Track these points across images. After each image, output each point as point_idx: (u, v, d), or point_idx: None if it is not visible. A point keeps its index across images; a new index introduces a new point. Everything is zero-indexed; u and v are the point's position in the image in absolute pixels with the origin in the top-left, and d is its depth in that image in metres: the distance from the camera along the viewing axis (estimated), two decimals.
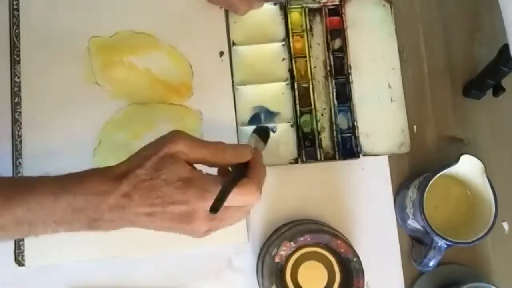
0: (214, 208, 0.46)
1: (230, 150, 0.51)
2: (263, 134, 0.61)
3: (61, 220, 0.49)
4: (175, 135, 0.50)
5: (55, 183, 0.50)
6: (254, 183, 0.50)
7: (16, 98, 0.68)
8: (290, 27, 0.70)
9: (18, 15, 0.69)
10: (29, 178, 0.52)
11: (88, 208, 0.49)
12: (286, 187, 0.68)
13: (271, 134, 0.69)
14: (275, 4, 0.71)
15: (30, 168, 0.66)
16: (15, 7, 0.70)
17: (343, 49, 0.71)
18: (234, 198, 0.48)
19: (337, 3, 0.71)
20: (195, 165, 0.51)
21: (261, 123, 0.69)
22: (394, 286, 0.67)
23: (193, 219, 0.49)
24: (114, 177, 0.49)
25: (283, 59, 0.71)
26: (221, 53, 0.70)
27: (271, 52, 0.71)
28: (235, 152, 0.52)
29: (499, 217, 0.60)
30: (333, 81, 0.70)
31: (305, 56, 0.70)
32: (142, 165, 0.49)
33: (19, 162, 0.67)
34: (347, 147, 0.69)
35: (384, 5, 0.72)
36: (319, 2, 0.71)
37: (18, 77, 0.68)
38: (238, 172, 0.51)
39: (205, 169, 0.51)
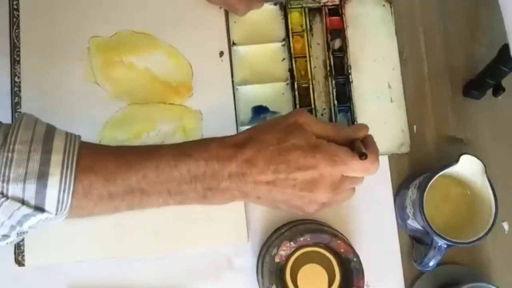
0: (364, 154, 0.49)
1: (349, 127, 0.55)
2: None
3: (176, 189, 0.48)
4: (300, 111, 0.52)
5: (176, 148, 0.49)
6: (375, 154, 0.52)
7: (16, 98, 0.68)
8: (290, 27, 0.70)
9: (18, 15, 0.69)
10: (148, 146, 0.50)
11: (208, 175, 0.48)
12: None
13: None
14: (275, 4, 0.71)
15: None
16: (15, 7, 0.70)
17: (343, 49, 0.71)
18: (359, 167, 0.50)
19: (337, 3, 0.71)
20: None
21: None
22: (394, 286, 0.67)
23: (317, 186, 0.49)
24: (235, 144, 0.49)
25: (283, 59, 0.71)
26: (221, 53, 0.70)
27: (271, 52, 0.71)
28: (355, 127, 0.55)
29: (499, 217, 0.60)
30: (333, 81, 0.70)
31: (305, 56, 0.70)
32: (269, 130, 0.49)
33: None
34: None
35: (384, 5, 0.72)
36: (319, 2, 0.71)
37: (18, 77, 0.68)
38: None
39: None
